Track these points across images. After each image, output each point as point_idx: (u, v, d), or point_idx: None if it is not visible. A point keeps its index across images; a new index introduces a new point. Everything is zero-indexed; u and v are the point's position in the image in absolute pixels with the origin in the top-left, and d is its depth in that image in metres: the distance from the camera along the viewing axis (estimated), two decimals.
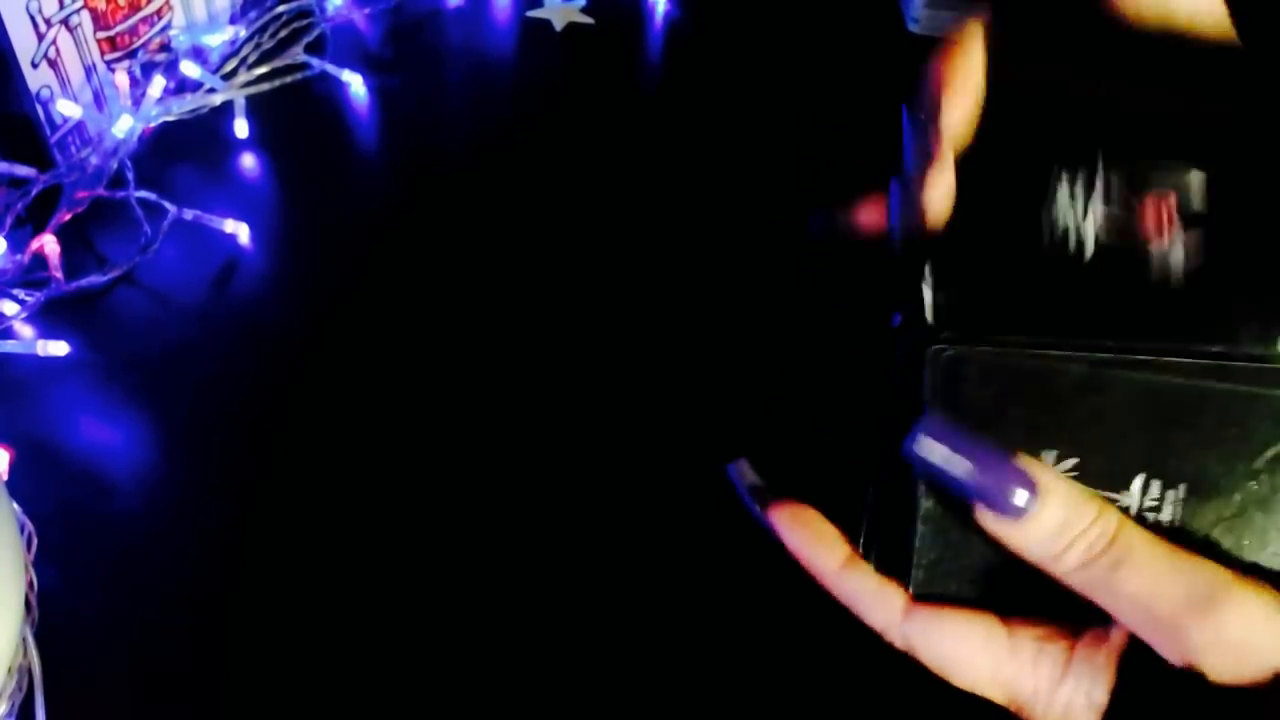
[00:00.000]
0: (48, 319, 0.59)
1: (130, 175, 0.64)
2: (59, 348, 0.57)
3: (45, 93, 0.62)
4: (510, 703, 0.48)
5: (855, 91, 0.72)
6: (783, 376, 0.56)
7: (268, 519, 0.53)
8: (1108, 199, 0.29)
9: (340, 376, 0.58)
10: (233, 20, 0.72)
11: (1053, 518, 0.27)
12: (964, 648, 0.30)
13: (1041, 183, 0.30)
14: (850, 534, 0.31)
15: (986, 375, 0.28)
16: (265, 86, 0.70)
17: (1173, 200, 0.29)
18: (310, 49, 0.72)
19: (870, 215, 0.34)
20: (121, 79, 0.66)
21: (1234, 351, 0.28)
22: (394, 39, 0.76)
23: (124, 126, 0.64)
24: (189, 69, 0.68)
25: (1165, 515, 0.29)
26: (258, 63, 0.71)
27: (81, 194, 0.63)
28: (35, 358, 0.57)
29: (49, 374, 0.57)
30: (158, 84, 0.66)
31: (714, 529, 0.50)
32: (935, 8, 0.74)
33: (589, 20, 0.77)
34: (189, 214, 0.63)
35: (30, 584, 0.47)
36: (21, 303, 0.58)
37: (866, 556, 0.31)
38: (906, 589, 0.30)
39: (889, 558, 0.30)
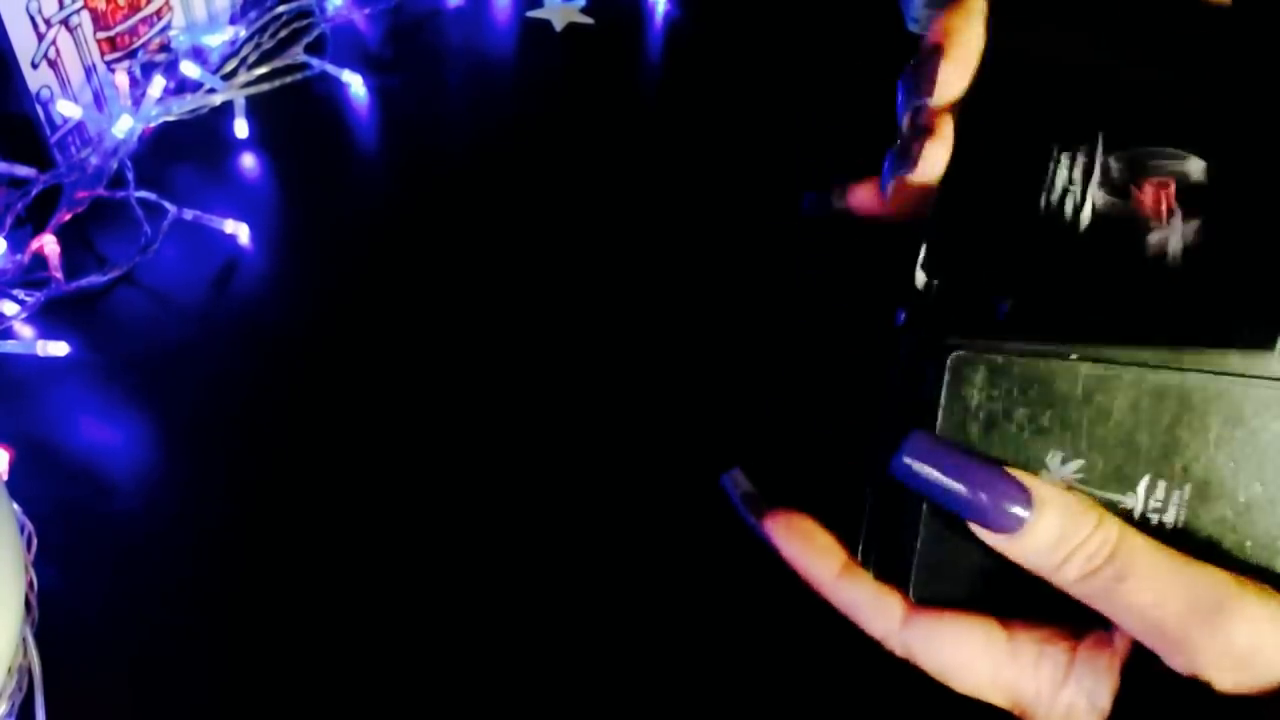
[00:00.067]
0: (48, 319, 0.59)
1: (130, 175, 0.64)
2: (59, 348, 0.57)
3: (45, 93, 0.62)
4: (509, 704, 0.48)
5: (855, 91, 0.72)
6: (782, 377, 0.56)
7: (268, 519, 0.53)
8: (1106, 183, 0.29)
9: (340, 376, 0.58)
10: (233, 20, 0.72)
11: (1050, 529, 0.27)
12: (964, 652, 0.29)
13: (1040, 163, 0.30)
14: (846, 541, 0.31)
15: (993, 378, 0.28)
16: (265, 86, 0.70)
17: (1171, 188, 0.29)
18: (310, 49, 0.72)
19: (864, 196, 0.33)
20: (121, 79, 0.66)
21: (1233, 349, 0.28)
22: (394, 39, 0.76)
23: (124, 126, 0.64)
24: (189, 69, 0.68)
25: (1170, 516, 0.28)
26: (258, 63, 0.71)
27: (81, 194, 0.63)
28: (35, 358, 0.57)
29: (49, 374, 0.57)
30: (158, 84, 0.66)
31: (714, 532, 0.50)
32: (935, 8, 0.74)
33: (589, 20, 0.77)
34: (189, 214, 0.63)
35: (30, 584, 0.47)
36: (21, 303, 0.58)
37: (865, 562, 0.31)
38: (906, 594, 0.30)
39: (888, 563, 0.30)
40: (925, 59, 0.31)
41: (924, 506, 0.29)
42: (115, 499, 0.53)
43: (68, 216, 0.62)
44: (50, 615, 0.48)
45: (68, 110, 0.64)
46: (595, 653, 0.49)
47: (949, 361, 0.28)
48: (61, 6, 0.61)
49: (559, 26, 0.76)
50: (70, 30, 0.63)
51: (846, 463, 0.32)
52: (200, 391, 0.57)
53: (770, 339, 0.58)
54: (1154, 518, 0.28)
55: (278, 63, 0.71)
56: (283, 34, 0.72)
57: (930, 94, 0.31)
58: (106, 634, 0.49)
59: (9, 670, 0.44)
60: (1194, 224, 0.28)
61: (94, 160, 0.65)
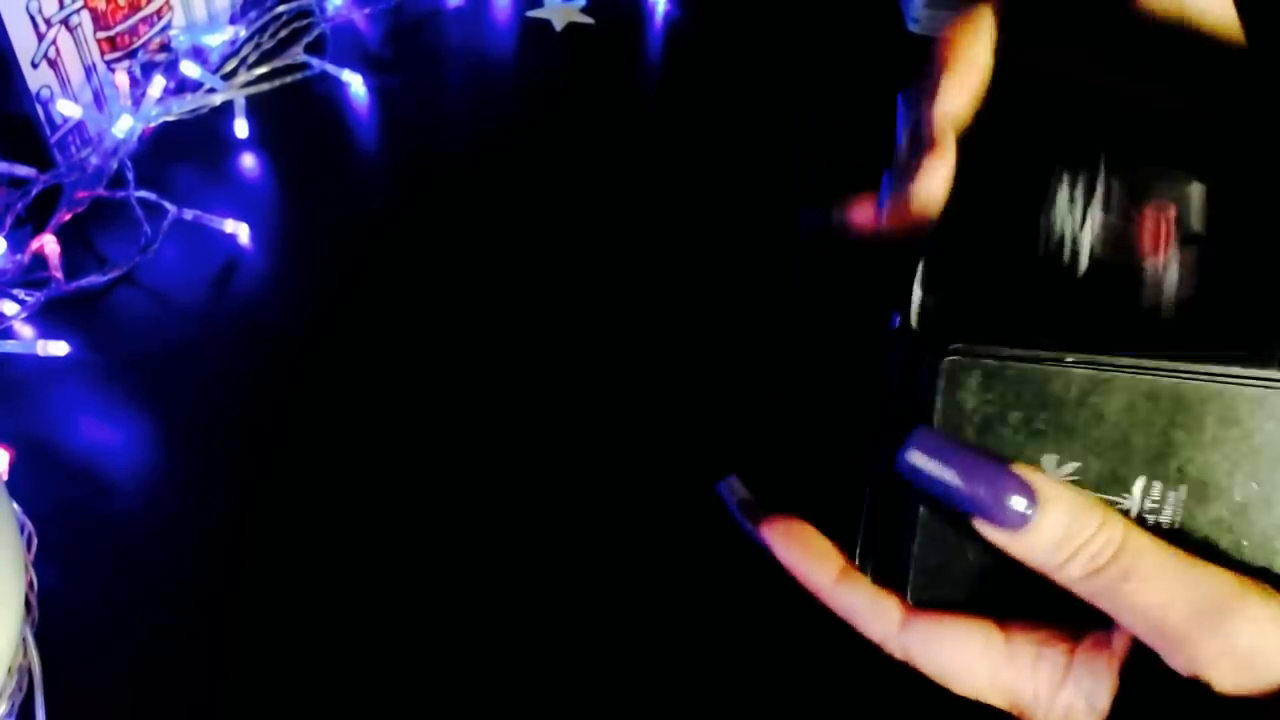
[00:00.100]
0: (48, 319, 0.59)
1: (130, 175, 0.64)
2: (59, 348, 0.57)
3: (45, 93, 0.62)
4: (509, 704, 0.48)
5: (855, 91, 0.72)
6: (780, 379, 0.56)
7: (268, 519, 0.53)
8: (1107, 206, 0.29)
9: (340, 376, 0.58)
10: (233, 20, 0.72)
11: (1054, 527, 0.27)
12: (962, 655, 0.29)
13: (1041, 182, 0.30)
14: (843, 545, 0.31)
15: (987, 381, 0.28)
16: (265, 86, 0.70)
17: (1172, 214, 0.29)
18: (310, 49, 0.72)
19: (863, 213, 0.33)
20: (121, 79, 0.66)
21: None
22: (394, 39, 0.76)
23: (124, 126, 0.64)
24: (189, 69, 0.68)
25: (1166, 517, 0.28)
26: (258, 63, 0.71)
27: (81, 194, 0.63)
28: (35, 358, 0.57)
29: (49, 374, 0.57)
30: (158, 84, 0.67)
31: (713, 536, 0.50)
32: (935, 8, 0.74)
33: (589, 20, 0.77)
34: (189, 214, 0.63)
35: (30, 584, 0.47)
36: (21, 303, 0.58)
37: (862, 566, 0.31)
38: (904, 597, 0.30)
39: (885, 565, 0.30)
40: (928, 73, 0.31)
41: (921, 509, 0.29)
42: (115, 499, 0.53)
43: (68, 216, 0.62)
44: (50, 615, 0.48)
45: (68, 110, 0.64)
46: (593, 656, 0.49)
47: (943, 365, 0.28)
48: (61, 6, 0.61)
49: (559, 26, 0.76)
50: (70, 30, 0.63)
51: (843, 466, 0.32)
52: (200, 391, 0.57)
53: (768, 341, 0.58)
54: (1150, 519, 0.28)
55: (278, 63, 0.71)
56: (283, 34, 0.73)
57: (931, 108, 0.30)
58: (106, 634, 0.49)
59: (9, 670, 0.44)
60: (1190, 254, 0.28)
61: (94, 160, 0.65)
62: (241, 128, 0.69)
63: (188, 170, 0.67)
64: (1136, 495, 0.28)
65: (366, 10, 0.75)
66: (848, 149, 0.68)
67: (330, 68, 0.71)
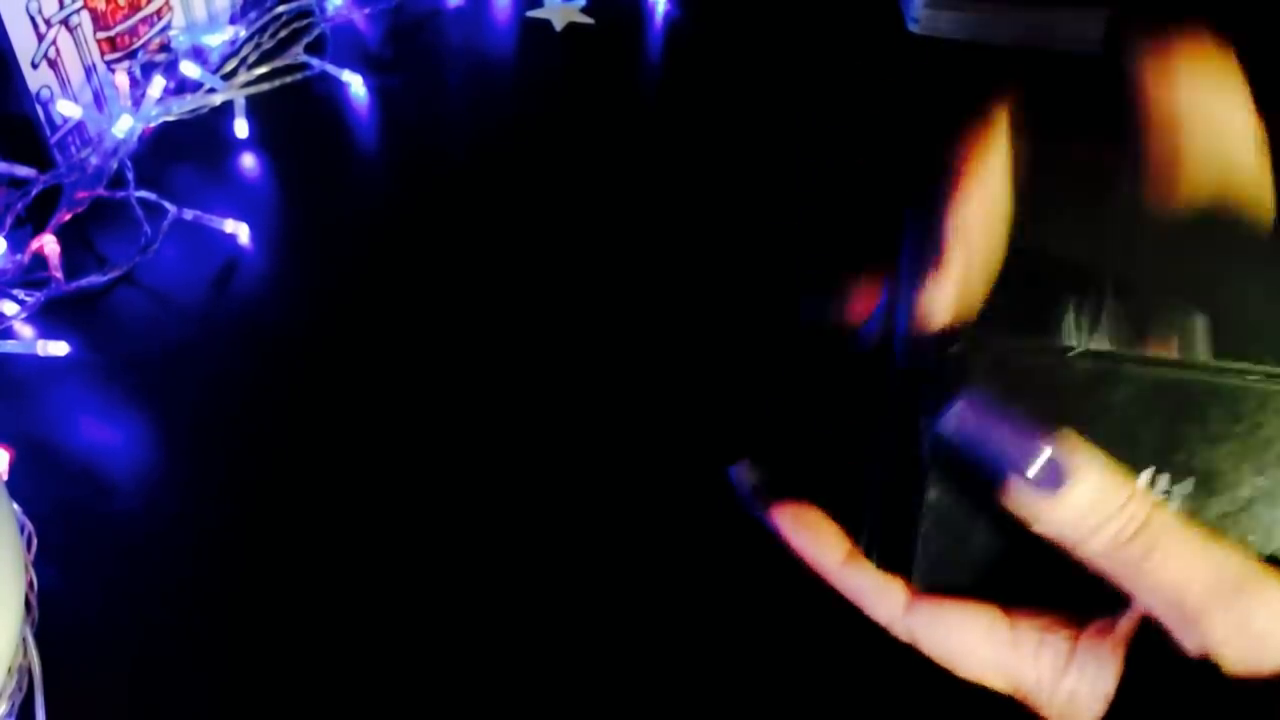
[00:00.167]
0: (48, 319, 0.59)
1: (130, 175, 0.64)
2: (59, 348, 0.57)
3: (45, 93, 0.62)
4: (511, 703, 0.48)
5: (855, 91, 0.72)
6: (783, 375, 0.56)
7: (268, 519, 0.53)
8: (1112, 335, 0.29)
9: (340, 376, 0.58)
10: (233, 20, 0.72)
11: (1085, 496, 0.27)
12: (966, 638, 0.30)
13: (1049, 305, 0.30)
14: (851, 531, 0.32)
15: (994, 371, 0.28)
16: (265, 86, 0.70)
17: (1175, 345, 0.29)
18: (310, 49, 0.72)
19: (864, 307, 0.33)
20: (121, 79, 0.66)
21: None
22: (394, 39, 0.76)
23: (124, 126, 0.64)
24: (189, 69, 0.68)
25: (1172, 509, 0.29)
26: (258, 63, 0.71)
27: (81, 194, 0.63)
28: (35, 358, 0.57)
29: (49, 374, 0.57)
30: (158, 84, 0.66)
31: (719, 527, 0.50)
32: (935, 8, 0.74)
33: (589, 20, 0.77)
34: (189, 214, 0.63)
35: (30, 584, 0.47)
36: (21, 303, 0.58)
37: (868, 554, 0.31)
38: (909, 583, 0.30)
39: (891, 552, 0.31)
40: (941, 181, 0.30)
41: (928, 498, 0.29)
42: (115, 499, 0.53)
43: (68, 216, 0.62)
44: (50, 615, 0.48)
45: (68, 110, 0.64)
46: (607, 645, 0.49)
47: (950, 354, 0.28)
48: (61, 6, 0.61)
49: (559, 26, 0.76)
50: (70, 30, 0.63)
51: (847, 461, 0.32)
52: (200, 391, 0.57)
53: (771, 336, 0.58)
54: None
55: (278, 63, 0.71)
56: (283, 34, 0.73)
57: (943, 220, 0.30)
58: (106, 634, 0.49)
59: (9, 670, 0.44)
60: None
61: (94, 160, 0.65)
62: (241, 128, 0.69)
63: (188, 170, 0.67)
64: (1143, 487, 0.28)
65: (366, 10, 0.75)
66: (848, 149, 0.68)
67: (330, 68, 0.71)
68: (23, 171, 0.62)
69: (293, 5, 0.73)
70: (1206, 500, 0.29)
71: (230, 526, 0.53)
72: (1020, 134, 0.30)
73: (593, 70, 0.74)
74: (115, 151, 0.65)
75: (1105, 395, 0.28)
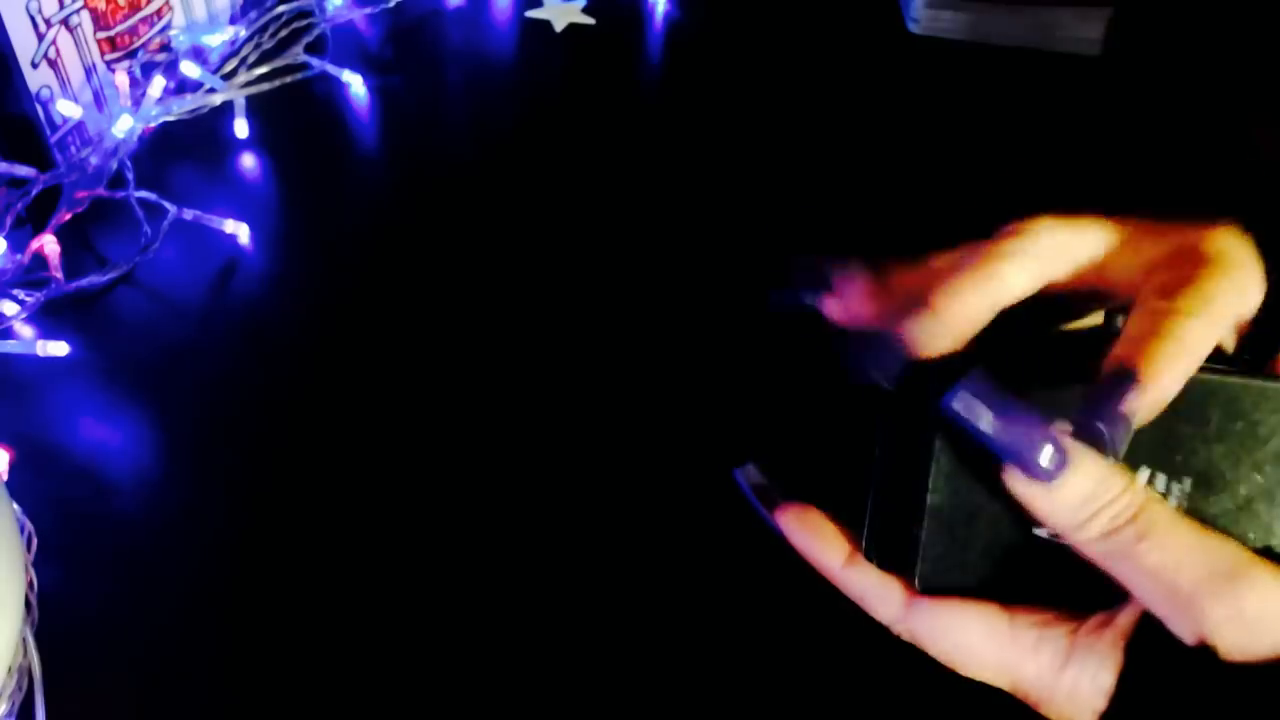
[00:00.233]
0: (48, 319, 0.59)
1: (130, 175, 0.64)
2: (59, 348, 0.57)
3: (45, 93, 0.62)
4: (512, 703, 0.48)
5: (855, 91, 0.72)
6: (784, 379, 0.56)
7: (268, 519, 0.53)
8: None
9: (340, 376, 0.58)
10: (233, 20, 0.72)
11: (1082, 485, 0.28)
12: (965, 636, 0.30)
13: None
14: (854, 533, 0.32)
15: (993, 369, 0.28)
16: (265, 86, 0.70)
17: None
18: (310, 49, 0.72)
19: (833, 308, 0.34)
20: (121, 79, 0.66)
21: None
22: (394, 39, 0.76)
23: (124, 126, 0.65)
24: (189, 69, 0.68)
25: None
26: (258, 63, 0.71)
27: (81, 194, 0.63)
28: (35, 358, 0.57)
29: (49, 374, 0.57)
30: (158, 84, 0.67)
31: (723, 528, 0.50)
32: (935, 8, 0.74)
33: (589, 20, 0.77)
34: (189, 214, 0.63)
35: (30, 584, 0.47)
36: (21, 303, 0.58)
37: (867, 555, 0.31)
38: (910, 583, 0.30)
39: (892, 553, 0.31)
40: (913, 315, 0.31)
41: (929, 501, 0.29)
42: (115, 499, 0.53)
43: (68, 216, 0.62)
44: (50, 615, 0.48)
45: (68, 110, 0.64)
46: (613, 637, 0.49)
47: (952, 354, 0.28)
48: (61, 6, 0.61)
49: (559, 26, 0.76)
50: (70, 30, 0.63)
51: (848, 465, 0.33)
52: (200, 391, 0.57)
53: (772, 340, 0.58)
54: None
55: (278, 63, 0.71)
56: (283, 34, 0.73)
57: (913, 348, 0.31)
58: (106, 634, 0.49)
59: (9, 670, 0.44)
60: None
61: (94, 160, 0.65)
62: (241, 128, 0.69)
63: (188, 170, 0.67)
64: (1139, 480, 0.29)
65: (366, 10, 0.75)
66: (847, 148, 0.68)
67: (330, 68, 0.71)
68: (23, 171, 0.62)
69: (293, 5, 0.73)
70: (1205, 499, 0.29)
71: (230, 526, 0.53)
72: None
73: (593, 70, 0.74)
74: (115, 151, 0.65)
75: None
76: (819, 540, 0.32)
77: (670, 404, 0.56)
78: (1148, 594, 0.28)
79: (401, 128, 0.71)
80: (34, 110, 0.62)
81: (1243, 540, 0.29)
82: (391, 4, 0.75)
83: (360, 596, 0.50)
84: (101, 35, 0.65)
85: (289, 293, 0.62)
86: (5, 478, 0.51)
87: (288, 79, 0.71)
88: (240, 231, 0.63)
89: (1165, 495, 0.29)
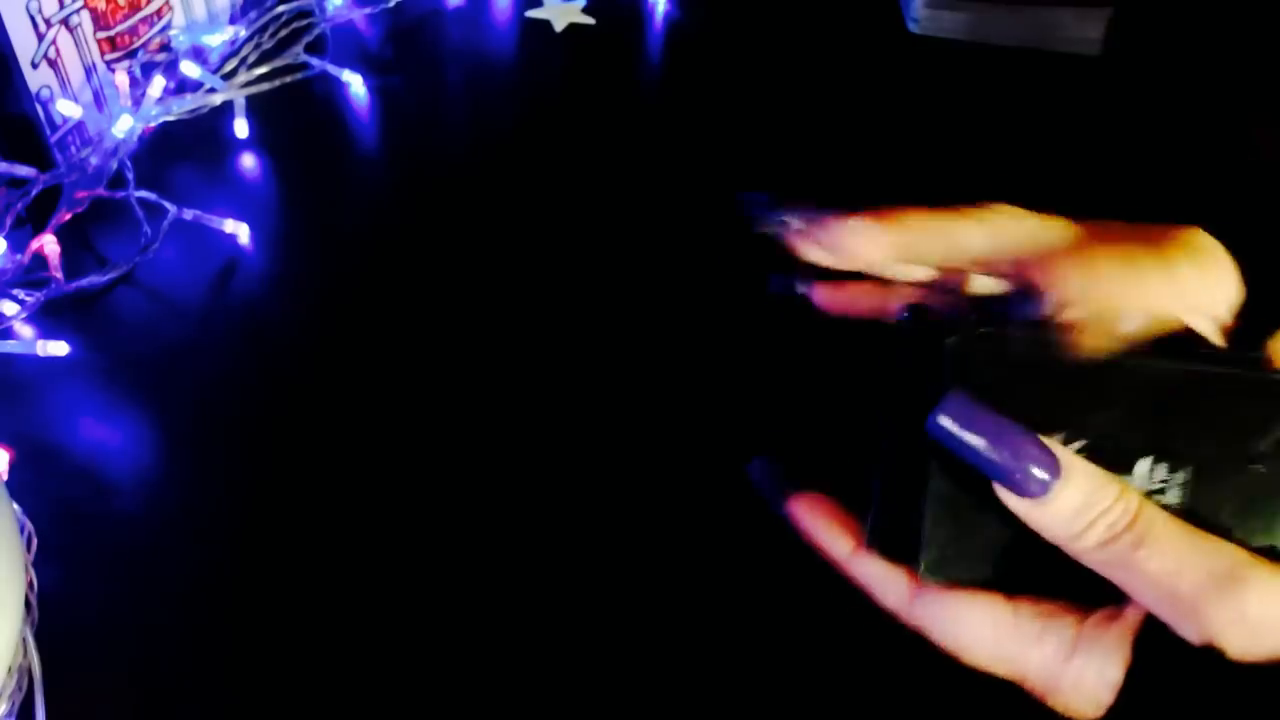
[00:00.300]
0: (48, 319, 0.59)
1: (130, 175, 0.64)
2: (59, 348, 0.57)
3: (45, 93, 0.62)
4: (513, 702, 0.48)
5: (855, 91, 0.72)
6: (788, 371, 0.56)
7: (268, 519, 0.53)
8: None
9: (340, 376, 0.58)
10: (233, 20, 0.72)
11: (1074, 497, 0.28)
12: (969, 628, 0.30)
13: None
14: (863, 522, 0.32)
15: (995, 359, 0.28)
16: (265, 86, 0.70)
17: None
18: (310, 49, 0.72)
19: (827, 297, 0.34)
20: (121, 79, 0.66)
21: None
22: (394, 39, 0.76)
23: (124, 126, 0.64)
24: (189, 69, 0.68)
25: (1171, 498, 0.29)
26: (258, 63, 0.71)
27: (81, 194, 0.63)
28: (35, 358, 0.57)
29: (49, 374, 0.57)
30: (158, 84, 0.66)
31: (728, 517, 0.50)
32: (935, 8, 0.74)
33: (589, 20, 0.77)
34: (189, 214, 0.63)
35: (30, 584, 0.47)
36: (21, 303, 0.58)
37: (871, 544, 0.31)
38: (915, 572, 0.30)
39: (896, 544, 0.31)
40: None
41: (933, 490, 0.29)
42: (115, 499, 0.53)
43: (68, 216, 0.62)
44: (50, 615, 0.48)
45: (68, 110, 0.64)
46: (623, 625, 0.49)
47: (951, 343, 0.28)
48: (61, 6, 0.61)
49: (559, 27, 0.76)
50: (70, 30, 0.63)
51: (853, 455, 0.33)
52: (200, 391, 0.57)
53: (774, 336, 0.58)
54: (1155, 499, 0.29)
55: (278, 63, 0.71)
56: (283, 34, 0.73)
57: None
58: (106, 634, 0.49)
59: (9, 670, 0.44)
60: None
61: (94, 160, 0.65)
62: (241, 128, 0.69)
63: (188, 170, 0.67)
64: (1142, 475, 0.29)
65: (366, 10, 0.75)
66: (846, 148, 0.68)
67: (330, 68, 0.71)
68: (23, 171, 0.62)
69: (293, 5, 0.73)
70: (1205, 488, 0.29)
71: (230, 526, 0.53)
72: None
73: (593, 70, 0.74)
74: (115, 151, 0.65)
75: (1103, 385, 0.28)
76: (828, 529, 0.32)
77: (673, 398, 0.56)
78: (1150, 600, 0.28)
79: (401, 128, 0.71)
80: (34, 110, 0.62)
81: (1243, 531, 0.29)
82: (391, 4, 0.75)
83: (361, 596, 0.50)
84: (101, 35, 0.65)
85: (289, 293, 0.62)
86: (5, 478, 0.51)
87: (288, 79, 0.71)
88: (240, 231, 0.63)
89: (1165, 485, 0.29)
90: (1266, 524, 0.29)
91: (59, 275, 0.59)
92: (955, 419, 0.28)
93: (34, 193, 0.61)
